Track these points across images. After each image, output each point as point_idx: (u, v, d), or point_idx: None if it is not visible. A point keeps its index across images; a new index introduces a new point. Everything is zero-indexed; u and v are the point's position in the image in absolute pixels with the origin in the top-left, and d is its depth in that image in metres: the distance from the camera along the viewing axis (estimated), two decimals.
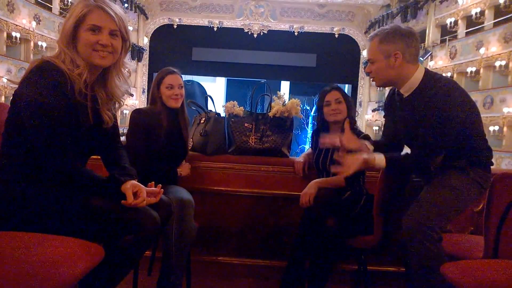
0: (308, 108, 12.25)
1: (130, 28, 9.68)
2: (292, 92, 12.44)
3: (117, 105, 1.42)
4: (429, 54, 8.74)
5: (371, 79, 1.73)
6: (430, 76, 1.60)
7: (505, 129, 7.00)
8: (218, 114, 2.27)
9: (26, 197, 1.20)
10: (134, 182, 1.29)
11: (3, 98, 6.73)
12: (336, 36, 10.59)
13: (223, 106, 2.36)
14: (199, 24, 10.49)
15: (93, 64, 1.28)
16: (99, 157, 1.47)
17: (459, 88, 1.55)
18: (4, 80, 6.71)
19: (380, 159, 1.57)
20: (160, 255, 1.76)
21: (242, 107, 2.32)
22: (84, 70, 1.24)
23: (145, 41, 10.44)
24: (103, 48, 1.26)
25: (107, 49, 1.27)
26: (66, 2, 8.14)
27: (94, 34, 1.25)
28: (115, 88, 1.37)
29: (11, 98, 1.25)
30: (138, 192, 1.26)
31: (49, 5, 8.15)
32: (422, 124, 1.54)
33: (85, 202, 1.23)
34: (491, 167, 1.64)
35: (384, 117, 1.91)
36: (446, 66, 8.35)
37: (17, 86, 1.23)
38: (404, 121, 1.67)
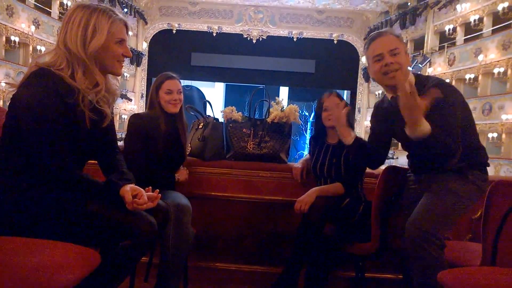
0: (306, 114, 12.28)
1: (130, 33, 9.72)
2: (291, 98, 12.48)
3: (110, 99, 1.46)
4: (427, 60, 8.79)
5: (388, 74, 1.62)
6: (421, 77, 1.70)
7: (503, 136, 7.03)
8: (217, 120, 2.27)
9: (23, 201, 1.19)
10: (133, 185, 1.28)
11: (1, 102, 6.73)
12: (335, 42, 10.65)
13: (221, 112, 2.36)
14: (198, 29, 10.55)
15: (114, 74, 1.38)
16: (96, 161, 1.47)
17: (449, 83, 1.72)
18: (3, 84, 6.71)
19: (426, 125, 1.45)
20: (157, 261, 1.75)
21: (240, 113, 2.32)
22: (103, 87, 1.31)
23: (144, 46, 10.48)
24: (123, 59, 1.37)
25: (125, 58, 1.38)
26: (65, 7, 8.16)
27: (120, 47, 1.33)
28: (112, 86, 1.41)
29: (9, 102, 1.25)
30: (138, 195, 1.26)
31: (48, 9, 8.18)
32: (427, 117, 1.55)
33: (82, 207, 1.22)
34: (489, 171, 1.65)
35: (371, 128, 1.89)
36: (444, 73, 8.39)
37: (15, 89, 1.23)
38: (404, 124, 1.67)
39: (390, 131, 1.75)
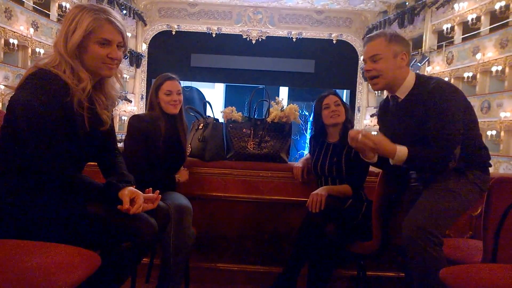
0: (307, 113, 12.26)
1: (129, 34, 9.73)
2: (291, 98, 12.47)
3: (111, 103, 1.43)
4: (426, 59, 8.80)
5: (372, 80, 1.66)
6: (422, 77, 1.67)
7: (502, 133, 7.04)
8: (217, 120, 2.27)
9: (23, 203, 1.19)
10: (132, 188, 1.28)
11: (0, 105, 6.72)
12: (334, 42, 10.65)
13: (221, 112, 2.36)
14: (198, 31, 10.55)
15: (100, 75, 1.31)
16: (96, 163, 1.47)
17: (451, 84, 1.64)
18: (1, 87, 6.70)
19: (402, 151, 1.51)
20: (158, 262, 1.75)
21: (240, 113, 2.32)
22: (88, 84, 1.26)
23: (143, 48, 10.47)
24: (111, 61, 1.29)
25: (115, 61, 1.30)
26: (64, 9, 8.16)
27: (103, 47, 1.27)
28: (111, 90, 1.39)
29: (7, 104, 1.24)
30: (135, 198, 1.25)
31: (47, 11, 8.17)
32: (424, 122, 1.55)
33: (82, 209, 1.22)
34: (490, 170, 1.64)
35: (379, 130, 1.90)
36: (443, 72, 8.40)
37: (13, 91, 1.23)
38: (403, 124, 1.67)
39: (392, 129, 1.75)
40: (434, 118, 1.52)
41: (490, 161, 1.65)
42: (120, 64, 1.37)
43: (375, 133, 1.84)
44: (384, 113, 1.80)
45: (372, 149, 1.57)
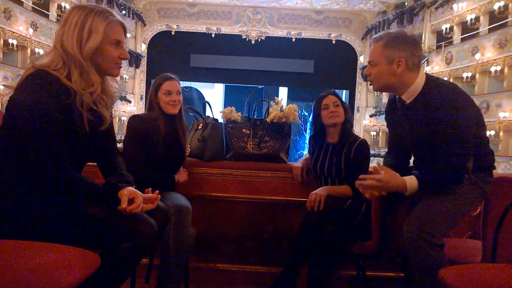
0: (306, 113, 12.27)
1: (128, 35, 9.73)
2: (290, 98, 12.49)
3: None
4: (425, 59, 8.80)
5: (369, 83, 1.71)
6: (432, 82, 1.58)
7: (501, 133, 7.05)
8: (216, 120, 2.27)
9: (22, 204, 1.19)
10: (131, 188, 1.28)
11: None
12: (333, 42, 10.66)
13: (221, 112, 2.36)
14: (197, 31, 10.55)
15: (110, 75, 1.37)
16: (95, 164, 1.46)
17: (462, 92, 1.55)
18: (1, 87, 6.69)
19: (411, 182, 1.49)
20: (157, 262, 1.75)
21: (239, 113, 2.32)
22: (98, 87, 1.29)
23: (143, 48, 10.46)
24: (121, 61, 1.35)
25: (123, 60, 1.37)
26: (63, 9, 8.15)
27: (116, 48, 1.32)
28: (110, 89, 1.41)
29: (6, 104, 1.24)
30: (134, 198, 1.25)
31: (46, 12, 8.16)
32: (433, 132, 1.51)
33: (82, 209, 1.22)
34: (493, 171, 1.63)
35: (387, 126, 1.89)
36: (442, 72, 8.41)
37: (12, 91, 1.23)
38: (409, 128, 1.65)
39: (399, 129, 1.75)
40: (445, 133, 1.47)
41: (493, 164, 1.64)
42: None
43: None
44: (392, 110, 1.78)
45: (382, 189, 1.54)
